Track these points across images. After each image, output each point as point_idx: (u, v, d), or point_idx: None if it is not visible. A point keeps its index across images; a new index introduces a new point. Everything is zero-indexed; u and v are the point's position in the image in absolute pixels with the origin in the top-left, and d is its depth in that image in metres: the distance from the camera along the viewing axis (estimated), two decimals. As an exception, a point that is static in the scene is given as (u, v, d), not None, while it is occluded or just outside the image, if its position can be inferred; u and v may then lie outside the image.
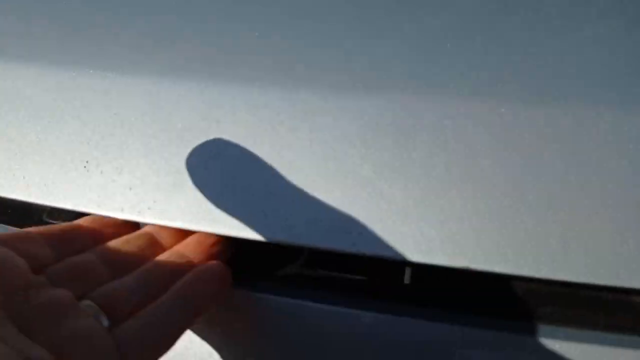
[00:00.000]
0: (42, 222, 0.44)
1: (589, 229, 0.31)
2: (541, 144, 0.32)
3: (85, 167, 0.39)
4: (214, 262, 0.37)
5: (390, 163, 0.34)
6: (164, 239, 0.39)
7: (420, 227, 0.33)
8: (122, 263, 0.35)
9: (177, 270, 0.35)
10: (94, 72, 0.40)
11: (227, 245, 0.39)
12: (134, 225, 0.40)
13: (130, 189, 0.38)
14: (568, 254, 0.31)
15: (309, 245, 0.34)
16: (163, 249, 0.38)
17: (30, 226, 0.43)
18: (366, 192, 0.34)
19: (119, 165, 0.39)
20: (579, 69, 0.34)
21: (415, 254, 0.33)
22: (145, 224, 0.40)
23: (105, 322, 0.30)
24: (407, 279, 0.38)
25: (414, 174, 0.34)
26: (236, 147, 0.36)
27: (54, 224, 0.43)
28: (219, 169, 0.37)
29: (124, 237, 0.37)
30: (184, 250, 0.37)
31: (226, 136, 0.37)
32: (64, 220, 0.43)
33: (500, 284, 0.37)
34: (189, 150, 0.37)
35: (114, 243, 0.36)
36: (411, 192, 0.33)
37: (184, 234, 0.39)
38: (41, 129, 0.41)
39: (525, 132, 0.33)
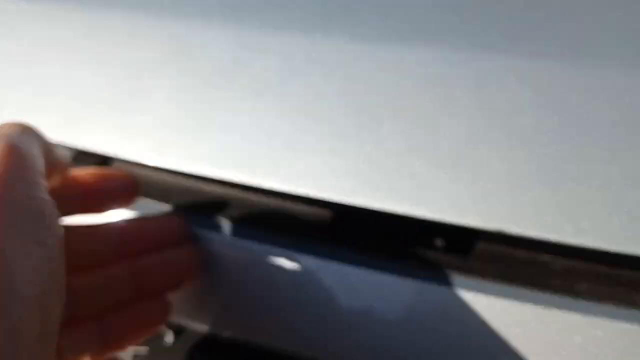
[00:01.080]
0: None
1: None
2: (589, 102, 0.30)
3: (110, 108, 0.38)
4: None
5: (424, 118, 0.32)
6: None
7: (452, 186, 0.31)
8: None
9: None
10: (118, 13, 0.39)
11: None
12: None
13: (154, 132, 0.37)
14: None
15: (336, 200, 0.33)
16: None
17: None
18: (398, 146, 0.32)
19: (144, 108, 0.38)
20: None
21: (449, 214, 0.31)
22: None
23: None
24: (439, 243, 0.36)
25: (449, 131, 0.31)
26: (259, 94, 0.35)
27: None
28: (244, 115, 0.35)
29: None
30: None
31: (252, 82, 0.35)
32: (87, 164, 0.43)
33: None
34: (215, 94, 0.36)
35: None
36: (444, 149, 0.31)
37: None
38: (65, 69, 0.40)
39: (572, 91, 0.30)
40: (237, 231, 0.36)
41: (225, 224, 0.36)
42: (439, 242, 0.34)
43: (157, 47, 0.38)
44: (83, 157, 0.43)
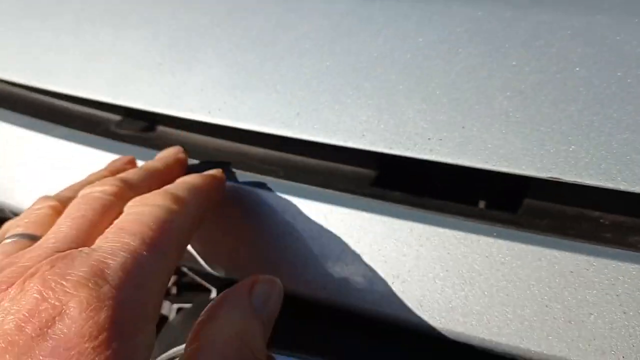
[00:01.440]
0: (108, 132, 0.43)
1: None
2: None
3: (158, 68, 0.39)
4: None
5: (474, 70, 0.32)
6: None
7: (506, 136, 0.31)
8: None
9: None
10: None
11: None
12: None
13: (202, 90, 0.37)
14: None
15: (384, 151, 0.33)
16: None
17: (97, 135, 0.43)
18: (448, 98, 0.32)
19: (192, 67, 0.38)
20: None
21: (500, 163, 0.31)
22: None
23: None
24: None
25: (499, 81, 0.32)
26: (308, 50, 0.35)
27: (119, 133, 0.43)
28: (290, 71, 0.36)
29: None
30: None
31: (297, 41, 0.36)
32: (130, 130, 0.43)
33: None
34: (261, 53, 0.37)
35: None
36: (496, 99, 0.32)
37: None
38: (116, 31, 0.41)
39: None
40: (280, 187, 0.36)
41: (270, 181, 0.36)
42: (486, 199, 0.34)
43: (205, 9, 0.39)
44: (130, 120, 0.44)
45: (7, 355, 0.21)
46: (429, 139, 0.32)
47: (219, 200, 0.34)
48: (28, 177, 0.42)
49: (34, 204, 0.32)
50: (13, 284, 0.24)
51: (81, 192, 0.30)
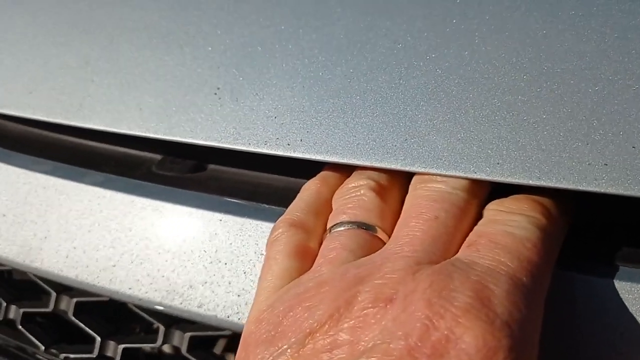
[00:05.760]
0: (150, 174, 0.36)
1: None
2: None
3: (216, 94, 0.32)
4: None
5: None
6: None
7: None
8: None
9: None
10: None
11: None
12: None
13: (275, 117, 0.30)
14: None
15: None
16: None
17: (138, 179, 0.36)
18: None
19: (259, 90, 0.31)
20: None
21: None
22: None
23: None
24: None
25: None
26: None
27: (163, 175, 0.36)
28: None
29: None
30: None
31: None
32: (174, 171, 0.36)
33: None
34: (344, 68, 0.30)
35: None
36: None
37: None
38: (160, 53, 0.34)
39: None
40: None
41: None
42: None
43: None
44: (173, 160, 0.37)
45: None
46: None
47: None
48: (58, 235, 0.35)
49: (347, 182, 0.28)
50: (391, 299, 0.22)
51: (420, 185, 0.27)
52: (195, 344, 0.34)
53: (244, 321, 0.31)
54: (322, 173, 0.31)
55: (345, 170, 0.30)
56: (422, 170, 0.27)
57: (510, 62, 0.27)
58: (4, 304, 0.38)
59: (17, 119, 0.37)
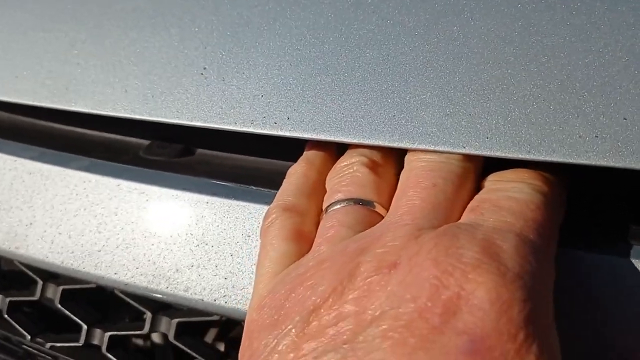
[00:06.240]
0: (137, 158, 0.36)
1: None
2: None
3: (202, 74, 0.31)
4: None
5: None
6: None
7: None
8: None
9: None
10: None
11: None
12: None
13: (262, 96, 0.30)
14: None
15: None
16: None
17: (125, 163, 0.35)
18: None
19: (245, 69, 0.31)
20: None
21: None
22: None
23: None
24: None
25: None
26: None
27: (150, 159, 0.35)
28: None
29: None
30: None
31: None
32: (161, 155, 0.35)
33: None
34: (332, 45, 0.29)
35: None
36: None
37: None
38: (145, 35, 0.33)
39: None
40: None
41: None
42: None
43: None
44: (161, 144, 0.36)
45: (415, 348, 0.18)
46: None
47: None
48: (43, 220, 0.34)
49: (339, 161, 0.28)
50: (394, 264, 0.21)
51: (414, 157, 0.26)
52: (183, 331, 0.33)
53: (230, 304, 0.30)
54: (306, 155, 0.30)
55: (329, 150, 0.30)
56: (411, 146, 0.27)
57: (499, 36, 0.26)
58: (-10, 293, 0.38)
59: (3, 105, 0.37)
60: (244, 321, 0.26)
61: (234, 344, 0.36)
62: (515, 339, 0.18)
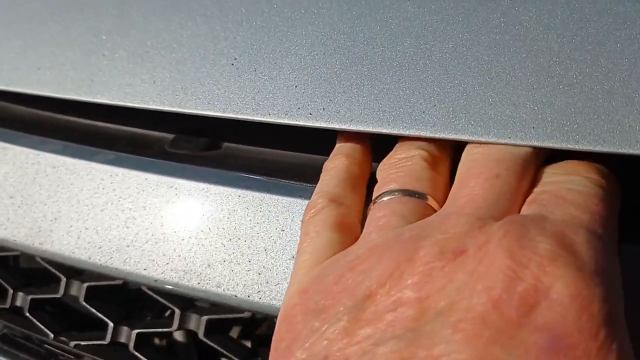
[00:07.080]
0: (163, 152, 0.35)
1: None
2: None
3: (233, 64, 0.31)
4: None
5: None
6: None
7: None
8: None
9: None
10: None
11: None
12: None
13: (296, 86, 0.29)
14: None
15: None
16: None
17: (150, 157, 0.34)
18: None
19: (278, 59, 0.30)
20: None
21: None
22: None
23: None
24: None
25: None
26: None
27: (177, 153, 0.34)
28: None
29: None
30: None
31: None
32: (187, 149, 0.35)
33: None
34: (369, 34, 0.28)
35: None
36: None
37: None
38: (173, 25, 0.32)
39: None
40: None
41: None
42: None
43: None
44: (186, 138, 0.35)
45: (491, 341, 0.18)
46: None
47: None
48: (69, 215, 0.33)
49: (394, 153, 0.27)
50: (460, 251, 0.20)
51: (475, 148, 0.25)
52: (212, 328, 0.32)
53: (265, 301, 0.29)
54: (342, 148, 0.29)
55: (366, 143, 0.29)
56: (473, 139, 0.26)
57: (545, 25, 0.26)
58: (11, 291, 0.37)
59: (26, 98, 0.36)
60: (276, 317, 0.25)
61: (262, 341, 0.35)
62: (597, 338, 0.18)
